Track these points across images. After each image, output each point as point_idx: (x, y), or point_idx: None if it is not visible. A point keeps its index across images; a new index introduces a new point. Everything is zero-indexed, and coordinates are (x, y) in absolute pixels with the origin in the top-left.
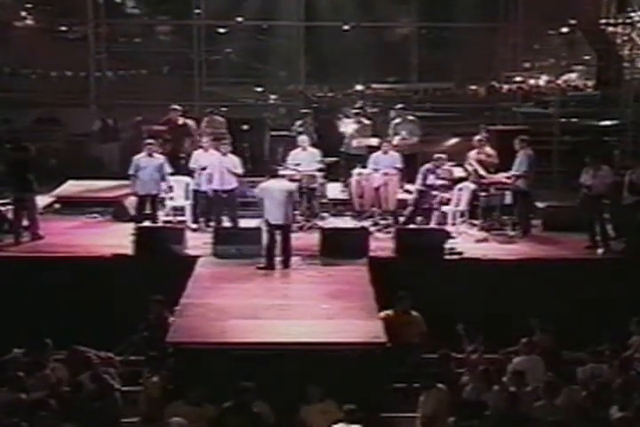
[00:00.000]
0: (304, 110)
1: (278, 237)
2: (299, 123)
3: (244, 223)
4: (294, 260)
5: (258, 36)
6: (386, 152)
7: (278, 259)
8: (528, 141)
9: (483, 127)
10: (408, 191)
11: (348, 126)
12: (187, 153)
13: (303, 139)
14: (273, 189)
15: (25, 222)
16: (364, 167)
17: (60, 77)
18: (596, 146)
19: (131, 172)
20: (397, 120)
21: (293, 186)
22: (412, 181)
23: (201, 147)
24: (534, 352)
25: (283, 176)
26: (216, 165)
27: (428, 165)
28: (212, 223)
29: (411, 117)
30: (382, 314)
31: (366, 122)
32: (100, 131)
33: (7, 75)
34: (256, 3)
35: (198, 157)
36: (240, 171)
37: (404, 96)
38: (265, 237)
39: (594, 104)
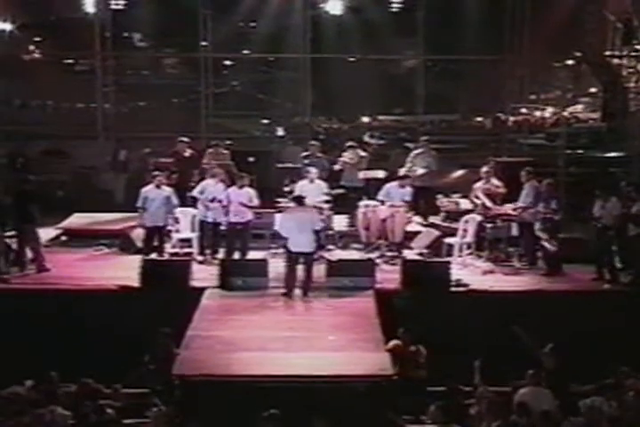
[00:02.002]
0: (311, 142)
1: (299, 266)
2: (304, 154)
3: (250, 255)
4: (300, 292)
5: (264, 69)
6: (403, 186)
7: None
8: (535, 173)
9: (489, 159)
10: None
11: (344, 159)
12: (194, 184)
13: (311, 170)
14: (296, 216)
15: (30, 255)
16: (370, 199)
17: (67, 110)
18: (602, 178)
19: (139, 204)
20: (416, 152)
21: (316, 213)
22: (421, 214)
23: (203, 178)
24: (541, 384)
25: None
26: (233, 198)
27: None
28: (218, 255)
29: (432, 151)
30: (391, 345)
31: (362, 154)
32: (123, 162)
33: (17, 107)
34: (262, 35)
35: (207, 187)
36: (256, 203)
37: (410, 128)
38: (282, 266)
39: (600, 136)
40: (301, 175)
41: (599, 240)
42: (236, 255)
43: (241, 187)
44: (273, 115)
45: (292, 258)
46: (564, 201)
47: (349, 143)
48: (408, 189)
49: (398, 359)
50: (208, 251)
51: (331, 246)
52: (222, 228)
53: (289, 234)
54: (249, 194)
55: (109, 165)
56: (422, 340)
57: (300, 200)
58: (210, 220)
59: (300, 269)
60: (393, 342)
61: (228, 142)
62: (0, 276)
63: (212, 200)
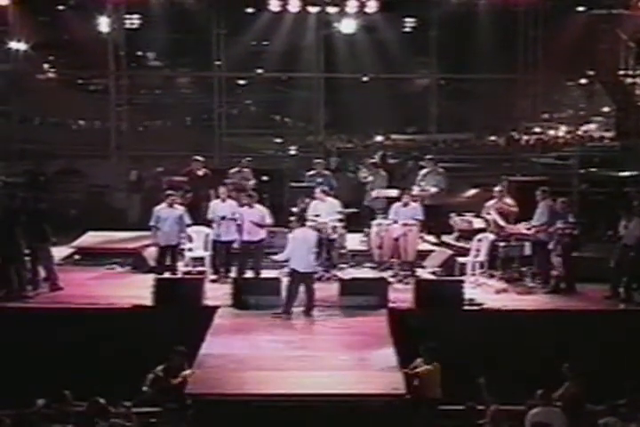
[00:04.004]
0: (316, 161)
1: (302, 287)
2: (310, 173)
3: (263, 274)
4: (313, 310)
5: (277, 88)
6: (406, 204)
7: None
8: (549, 192)
9: (503, 178)
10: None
11: (365, 178)
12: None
13: (320, 190)
14: (303, 238)
15: (43, 273)
16: (384, 218)
17: (81, 129)
18: (616, 197)
19: (152, 223)
20: (425, 171)
21: (314, 232)
22: (433, 233)
23: (217, 197)
24: (552, 404)
25: (307, 225)
26: (245, 217)
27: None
28: (231, 274)
29: (440, 169)
30: (413, 364)
31: (382, 173)
32: (135, 181)
33: (33, 126)
34: (275, 54)
35: (216, 207)
36: (269, 221)
37: (423, 147)
38: (285, 286)
39: (613, 155)
40: (314, 194)
41: (619, 259)
42: (249, 274)
43: (251, 206)
44: (286, 134)
45: (297, 278)
46: (578, 220)
47: (371, 160)
48: (414, 206)
49: (417, 378)
50: (222, 269)
51: (343, 265)
52: (235, 246)
53: (295, 255)
54: (261, 212)
55: (126, 185)
56: (436, 359)
57: (301, 221)
58: (222, 239)
59: (302, 288)
60: (416, 361)
61: (249, 159)
62: (19, 294)
63: (223, 218)
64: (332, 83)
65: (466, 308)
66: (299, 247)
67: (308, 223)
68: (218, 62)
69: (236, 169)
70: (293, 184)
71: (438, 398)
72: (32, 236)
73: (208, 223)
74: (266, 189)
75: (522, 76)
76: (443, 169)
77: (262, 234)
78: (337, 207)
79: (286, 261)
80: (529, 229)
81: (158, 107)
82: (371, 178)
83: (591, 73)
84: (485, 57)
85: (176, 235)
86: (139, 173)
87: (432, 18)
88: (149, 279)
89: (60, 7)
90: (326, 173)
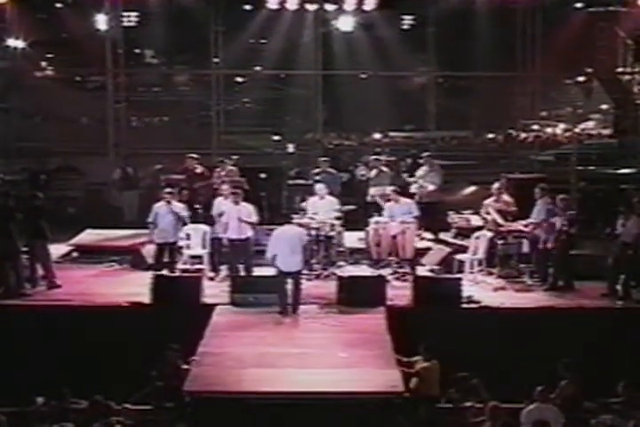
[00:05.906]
0: (321, 159)
1: (289, 285)
2: (315, 171)
3: (259, 272)
4: (312, 308)
5: (275, 85)
6: (396, 201)
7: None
8: (548, 190)
9: (501, 175)
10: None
11: (362, 175)
12: (204, 201)
13: (320, 187)
14: (285, 236)
15: (40, 271)
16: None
17: (79, 126)
18: (614, 194)
19: (150, 219)
20: (423, 168)
21: (304, 231)
22: (430, 230)
23: (221, 195)
24: (550, 401)
25: (293, 222)
26: (232, 214)
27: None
28: (222, 272)
29: (436, 166)
30: (412, 360)
31: (384, 170)
32: (119, 179)
33: (31, 124)
34: (274, 52)
35: (220, 205)
36: (254, 219)
37: (421, 144)
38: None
39: (611, 152)
40: (312, 192)
41: (617, 257)
42: (242, 271)
43: (237, 203)
44: (284, 131)
45: (283, 278)
46: (576, 218)
47: (374, 157)
48: (407, 202)
49: (415, 376)
50: (224, 267)
51: (342, 263)
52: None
53: (280, 255)
54: (247, 210)
55: (113, 183)
56: (433, 356)
57: (286, 219)
58: (221, 237)
59: (289, 286)
60: (414, 358)
61: (235, 157)
62: (16, 291)
63: (220, 215)
64: (330, 80)
65: (464, 305)
66: (280, 246)
67: (296, 220)
68: (216, 60)
69: (219, 169)
70: (291, 182)
71: (437, 395)
72: (30, 233)
73: (212, 222)
74: (264, 187)
75: (520, 73)
76: (438, 166)
77: (249, 232)
78: (335, 205)
79: (274, 259)
80: (526, 226)
81: (156, 104)
82: (373, 173)
83: (589, 70)
84: (483, 54)
85: (173, 232)
86: (122, 170)
87: (430, 15)
88: (147, 277)
89: (58, 5)
90: (332, 171)
